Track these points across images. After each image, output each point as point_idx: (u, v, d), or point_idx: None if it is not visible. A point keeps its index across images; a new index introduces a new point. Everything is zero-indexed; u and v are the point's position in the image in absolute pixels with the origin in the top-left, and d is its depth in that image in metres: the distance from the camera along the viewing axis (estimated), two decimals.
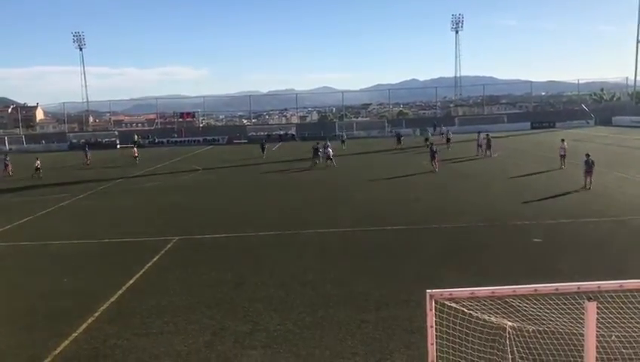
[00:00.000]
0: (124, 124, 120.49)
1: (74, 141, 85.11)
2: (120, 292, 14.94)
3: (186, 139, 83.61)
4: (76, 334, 12.15)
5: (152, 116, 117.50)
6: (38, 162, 44.16)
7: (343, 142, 61.08)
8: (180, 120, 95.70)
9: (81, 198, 32.48)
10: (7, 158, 47.32)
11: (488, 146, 45.22)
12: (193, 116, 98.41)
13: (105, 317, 13.15)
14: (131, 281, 15.86)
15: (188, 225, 23.42)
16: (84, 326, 12.62)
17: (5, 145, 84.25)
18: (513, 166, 37.94)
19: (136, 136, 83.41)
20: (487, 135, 46.76)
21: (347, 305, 13.21)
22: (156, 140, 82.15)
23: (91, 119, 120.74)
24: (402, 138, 60.77)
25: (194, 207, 27.89)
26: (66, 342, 11.73)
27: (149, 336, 11.93)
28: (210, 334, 11.90)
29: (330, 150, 43.56)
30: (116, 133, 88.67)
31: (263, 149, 53.71)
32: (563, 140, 36.86)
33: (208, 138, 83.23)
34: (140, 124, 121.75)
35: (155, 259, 18.15)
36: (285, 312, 12.97)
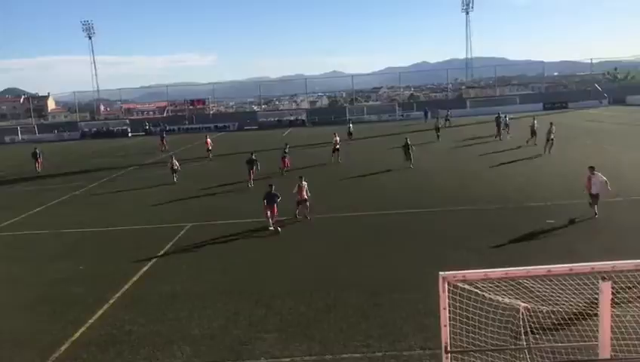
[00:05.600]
0: (135, 113, 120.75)
1: (85, 130, 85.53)
2: (134, 279, 15.09)
3: (197, 126, 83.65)
4: (92, 321, 12.31)
5: (162, 104, 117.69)
6: (209, 140, 43.50)
7: (350, 133, 50.25)
8: (191, 107, 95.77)
9: (94, 186, 32.72)
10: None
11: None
12: (204, 103, 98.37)
13: (120, 304, 13.30)
14: (145, 268, 16.00)
15: (200, 211, 23.53)
16: (100, 312, 12.78)
17: (18, 135, 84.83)
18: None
19: (147, 124, 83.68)
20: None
21: (360, 289, 13.24)
22: (167, 128, 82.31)
23: (102, 108, 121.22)
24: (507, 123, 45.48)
25: (206, 193, 27.96)
26: (83, 329, 11.90)
27: (164, 322, 12.06)
28: (225, 319, 12.00)
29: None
30: (127, 121, 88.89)
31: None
32: (534, 118, 37.26)
33: (219, 125, 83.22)
34: (150, 112, 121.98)
35: (168, 246, 18.28)
36: (298, 296, 13.03)
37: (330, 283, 13.79)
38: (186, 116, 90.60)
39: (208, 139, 43.57)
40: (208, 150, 42.61)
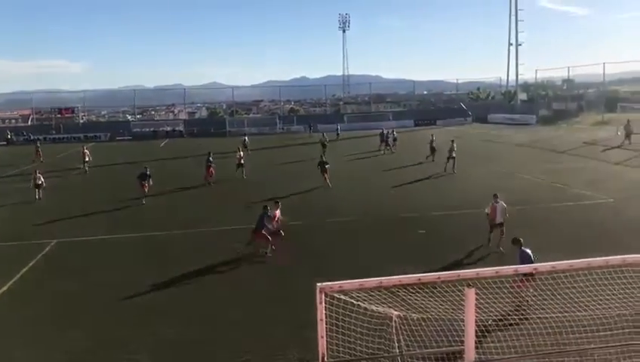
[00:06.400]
0: None
1: None
2: None
3: (65, 136, 78.85)
4: None
5: (26, 112, 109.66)
6: (87, 151, 40.00)
7: (245, 146, 46.62)
8: (59, 116, 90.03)
9: None
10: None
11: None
12: (73, 111, 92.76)
13: None
14: (3, 289, 14.68)
15: (67, 226, 22.05)
16: None
17: None
18: None
19: (9, 133, 77.55)
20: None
21: (240, 304, 13.07)
22: (31, 137, 76.68)
23: None
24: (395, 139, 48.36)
25: (74, 207, 26.20)
26: None
27: (26, 347, 11.12)
28: (92, 341, 11.29)
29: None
30: None
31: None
32: (432, 135, 40.92)
33: (89, 135, 79.03)
34: (13, 120, 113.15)
35: (31, 264, 16.92)
36: (176, 313, 12.61)
37: (209, 300, 13.48)
38: (52, 125, 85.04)
39: (85, 150, 40.57)
40: (85, 161, 39.72)
